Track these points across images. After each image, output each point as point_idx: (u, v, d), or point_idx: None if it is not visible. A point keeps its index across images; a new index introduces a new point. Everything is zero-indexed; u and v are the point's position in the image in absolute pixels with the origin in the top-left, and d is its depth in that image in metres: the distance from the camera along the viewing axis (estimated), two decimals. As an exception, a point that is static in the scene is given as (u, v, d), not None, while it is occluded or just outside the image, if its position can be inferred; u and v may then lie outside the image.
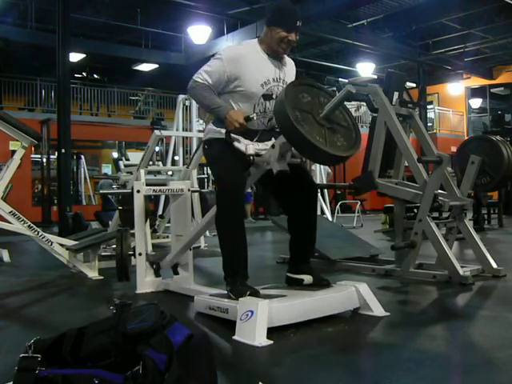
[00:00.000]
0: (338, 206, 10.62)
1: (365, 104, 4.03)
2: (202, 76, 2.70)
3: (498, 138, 4.21)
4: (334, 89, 3.75)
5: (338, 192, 13.47)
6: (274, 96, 2.73)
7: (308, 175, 2.86)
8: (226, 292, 2.65)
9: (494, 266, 3.79)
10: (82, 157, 15.02)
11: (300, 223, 2.81)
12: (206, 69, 2.72)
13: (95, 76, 17.84)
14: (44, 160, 12.66)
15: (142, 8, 12.79)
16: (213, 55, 2.84)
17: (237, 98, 2.72)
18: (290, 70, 2.87)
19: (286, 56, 2.87)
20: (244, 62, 2.67)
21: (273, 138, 2.77)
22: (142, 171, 5.64)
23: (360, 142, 2.61)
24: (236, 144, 2.62)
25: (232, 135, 2.64)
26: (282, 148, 2.51)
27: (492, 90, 19.72)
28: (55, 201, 11.83)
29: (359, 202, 10.64)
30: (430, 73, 18.42)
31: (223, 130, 2.69)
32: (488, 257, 3.82)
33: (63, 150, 9.26)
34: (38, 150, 13.12)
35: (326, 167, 10.13)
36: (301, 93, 2.51)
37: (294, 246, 2.86)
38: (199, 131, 7.33)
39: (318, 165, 9.70)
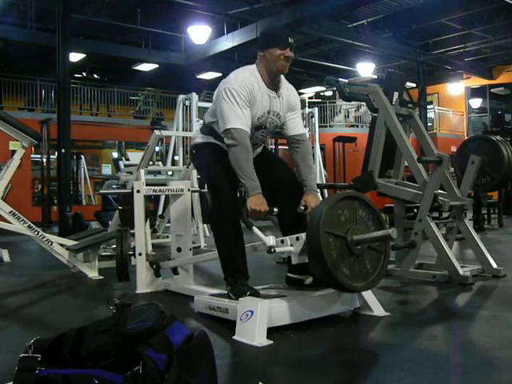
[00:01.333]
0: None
1: (365, 104, 4.03)
2: (241, 121, 2.55)
3: (498, 137, 4.21)
4: (334, 89, 3.74)
5: (338, 192, 13.44)
6: (263, 127, 2.74)
7: (293, 175, 2.84)
8: (226, 292, 2.65)
9: (494, 265, 3.79)
10: (82, 157, 15.00)
11: (290, 224, 2.79)
12: (235, 110, 2.55)
13: (95, 76, 17.83)
14: (44, 160, 12.65)
15: (142, 8, 12.78)
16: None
17: None
18: (286, 100, 2.78)
19: (285, 82, 2.80)
20: (252, 98, 2.62)
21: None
22: (142, 171, 5.64)
23: (385, 270, 2.52)
24: (256, 230, 2.53)
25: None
26: (304, 248, 2.41)
27: (492, 90, 19.72)
28: (55, 201, 11.82)
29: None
30: (430, 73, 18.41)
31: (211, 138, 2.70)
32: (488, 257, 3.82)
33: (63, 150, 9.26)
34: (38, 150, 13.12)
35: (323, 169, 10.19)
36: (341, 209, 2.39)
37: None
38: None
39: (316, 165, 9.71)
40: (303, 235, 2.41)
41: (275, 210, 2.57)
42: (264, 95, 2.68)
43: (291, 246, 2.47)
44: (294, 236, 2.47)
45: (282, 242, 2.50)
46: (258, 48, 2.72)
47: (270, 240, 2.48)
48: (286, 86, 2.80)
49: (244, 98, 2.58)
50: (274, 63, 2.65)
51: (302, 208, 2.65)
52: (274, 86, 2.72)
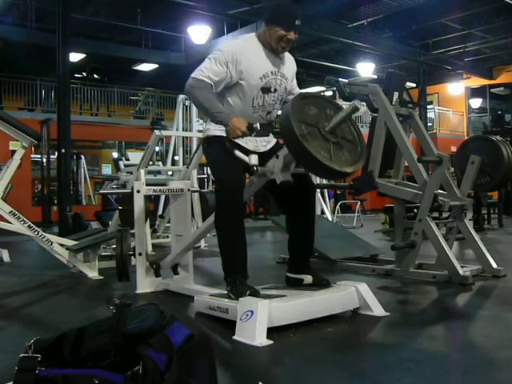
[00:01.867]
0: (337, 206, 10.62)
1: (365, 104, 4.03)
2: (203, 73, 2.61)
3: (498, 137, 4.21)
4: (334, 89, 3.75)
5: (338, 192, 13.47)
6: (272, 89, 2.73)
7: (306, 175, 2.84)
8: (226, 292, 2.65)
9: (494, 265, 3.79)
10: (82, 157, 15.01)
11: (298, 223, 2.81)
12: (206, 65, 2.63)
13: (95, 76, 17.84)
14: (44, 160, 12.65)
15: (142, 8, 12.79)
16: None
17: (236, 92, 2.70)
18: (289, 65, 2.85)
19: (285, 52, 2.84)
20: (244, 56, 2.65)
21: (271, 135, 2.83)
22: (142, 171, 5.64)
23: (365, 156, 2.59)
24: (237, 153, 2.58)
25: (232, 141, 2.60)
26: (286, 159, 2.48)
27: (492, 90, 19.72)
28: (55, 201, 11.82)
29: (359, 202, 10.64)
30: (430, 73, 18.42)
31: (222, 128, 2.67)
32: (488, 257, 3.82)
33: (63, 150, 9.26)
34: (38, 150, 13.12)
35: None
36: (307, 105, 2.47)
37: (293, 245, 2.86)
38: (199, 131, 7.32)
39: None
40: (282, 151, 2.47)
41: (255, 125, 2.59)
42: (262, 55, 2.71)
43: (273, 166, 2.52)
44: (274, 155, 2.53)
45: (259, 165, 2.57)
46: (263, 19, 2.74)
47: (252, 159, 2.55)
48: (284, 54, 2.84)
49: (224, 58, 2.62)
50: (275, 42, 2.68)
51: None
52: (274, 51, 2.74)
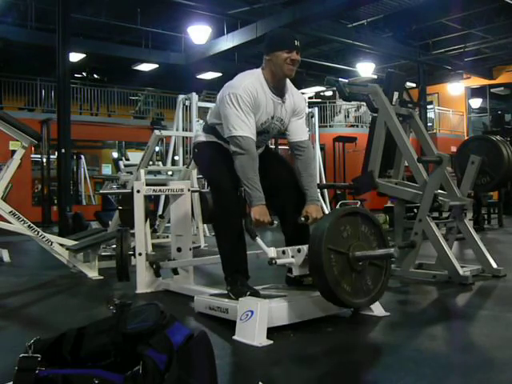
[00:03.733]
0: (337, 206, 10.61)
1: (365, 104, 4.03)
2: (247, 130, 2.54)
3: (498, 137, 4.21)
4: (334, 89, 3.74)
5: (338, 192, 13.47)
6: (265, 131, 2.73)
7: (295, 176, 2.83)
8: (226, 292, 2.65)
9: (494, 265, 3.79)
10: (82, 157, 15.01)
11: (291, 224, 2.79)
12: (243, 119, 2.54)
13: (95, 76, 17.83)
14: (44, 160, 12.64)
15: (142, 8, 12.78)
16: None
17: None
18: (290, 105, 2.76)
19: (290, 86, 2.78)
20: (257, 103, 2.61)
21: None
22: (142, 171, 5.64)
23: (386, 286, 2.55)
24: (259, 241, 2.51)
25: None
26: (307, 261, 2.42)
27: (492, 90, 19.72)
28: (55, 201, 11.82)
29: (359, 202, 10.63)
30: (430, 73, 18.42)
31: (213, 138, 2.69)
32: (488, 257, 3.82)
33: (63, 150, 9.26)
34: (38, 150, 13.12)
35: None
36: (343, 225, 2.40)
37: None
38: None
39: (316, 165, 9.71)
40: (305, 247, 2.40)
41: (274, 225, 2.58)
42: (268, 100, 2.65)
43: (292, 257, 2.47)
44: (296, 248, 2.47)
45: (283, 252, 2.50)
46: (263, 52, 2.69)
47: (271, 252, 2.47)
48: (291, 91, 2.78)
49: (248, 105, 2.56)
50: (281, 67, 2.62)
51: (303, 219, 2.65)
52: (279, 90, 2.69)
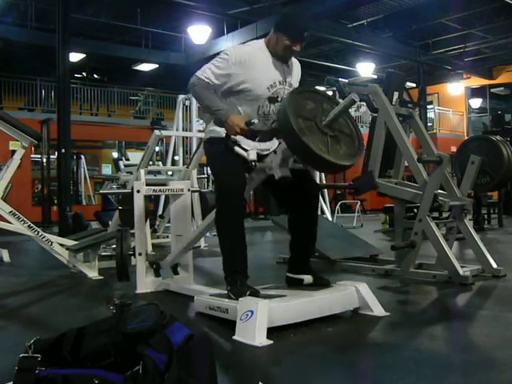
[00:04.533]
0: (337, 206, 10.61)
1: (365, 104, 4.03)
2: (206, 74, 2.63)
3: (498, 137, 4.21)
4: (334, 89, 3.75)
5: (338, 192, 13.47)
6: (279, 99, 2.71)
7: (310, 175, 2.84)
8: (226, 292, 2.65)
9: (494, 265, 3.79)
10: (82, 157, 15.00)
11: (301, 223, 2.80)
12: (211, 67, 2.65)
13: (95, 76, 17.83)
14: (44, 160, 12.64)
15: (142, 8, 12.78)
16: (213, 55, 2.83)
17: (242, 100, 2.69)
18: (295, 72, 2.84)
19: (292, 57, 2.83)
20: (251, 64, 2.64)
21: (274, 139, 2.78)
22: (142, 171, 5.64)
23: (362, 150, 2.60)
24: (237, 149, 2.59)
25: (232, 138, 2.61)
26: (285, 154, 2.49)
27: (492, 90, 19.72)
28: (55, 201, 11.82)
29: (359, 202, 10.64)
30: (430, 73, 18.42)
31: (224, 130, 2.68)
32: (488, 257, 3.82)
33: (63, 150, 9.26)
34: (38, 150, 13.12)
35: None
36: (304, 100, 2.48)
37: (295, 246, 2.85)
38: (199, 131, 7.32)
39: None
40: (281, 145, 2.49)
41: (253, 120, 2.59)
42: (270, 64, 2.69)
43: (271, 161, 2.53)
44: (272, 150, 2.55)
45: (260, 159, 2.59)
46: (274, 24, 2.73)
47: (250, 154, 2.55)
48: (292, 60, 2.83)
49: (229, 62, 2.62)
50: (280, 50, 2.68)
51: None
52: (281, 57, 2.73)
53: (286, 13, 2.84)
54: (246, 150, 2.59)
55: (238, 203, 2.65)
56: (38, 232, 4.07)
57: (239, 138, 2.62)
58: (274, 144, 2.81)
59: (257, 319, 2.24)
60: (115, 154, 15.25)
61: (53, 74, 10.19)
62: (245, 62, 2.63)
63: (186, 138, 8.08)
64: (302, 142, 2.28)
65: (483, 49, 16.62)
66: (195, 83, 2.65)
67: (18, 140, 4.11)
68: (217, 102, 2.62)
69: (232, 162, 2.63)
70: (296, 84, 2.82)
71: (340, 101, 2.64)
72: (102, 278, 4.08)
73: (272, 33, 2.71)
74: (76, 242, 4.23)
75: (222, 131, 2.69)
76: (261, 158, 2.66)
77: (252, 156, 2.55)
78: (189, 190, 3.50)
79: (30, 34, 12.56)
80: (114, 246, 4.17)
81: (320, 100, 2.55)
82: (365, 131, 4.05)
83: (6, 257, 5.25)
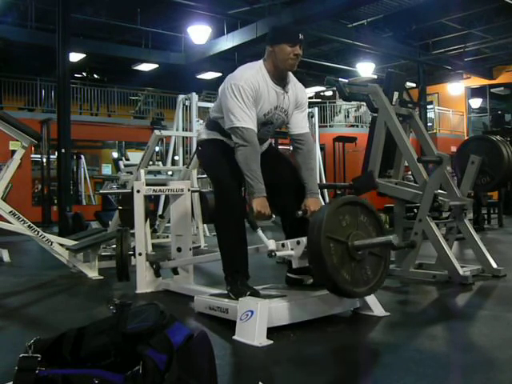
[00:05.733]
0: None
1: (365, 104, 4.03)
2: (248, 121, 2.54)
3: (498, 137, 4.21)
4: (334, 89, 3.75)
5: (338, 192, 13.46)
6: (269, 123, 2.72)
7: (297, 175, 2.83)
8: (226, 292, 2.65)
9: (494, 265, 3.79)
10: (82, 157, 15.01)
11: (293, 224, 2.79)
12: (244, 110, 2.54)
13: (95, 76, 17.83)
14: (44, 160, 12.64)
15: (142, 8, 12.78)
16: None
17: None
18: (293, 96, 2.75)
19: (293, 78, 2.78)
20: (258, 95, 2.60)
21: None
22: (142, 171, 5.64)
23: (386, 276, 2.53)
24: (259, 233, 2.54)
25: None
26: (306, 252, 2.42)
27: (492, 90, 19.72)
28: (55, 201, 11.82)
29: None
30: (430, 73, 18.42)
31: (217, 134, 2.69)
32: (488, 257, 3.82)
33: (63, 150, 9.26)
34: (38, 150, 13.12)
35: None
36: (342, 214, 2.39)
37: None
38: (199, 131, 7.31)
39: (316, 165, 9.69)
40: (304, 239, 2.41)
41: (273, 219, 2.62)
42: (271, 91, 2.65)
43: (292, 249, 2.48)
44: (295, 240, 2.48)
45: (283, 245, 2.51)
46: (267, 43, 2.69)
47: (271, 244, 2.49)
48: (293, 83, 2.78)
49: (250, 97, 2.56)
50: (284, 61, 2.62)
51: (300, 213, 2.65)
52: (281, 81, 2.69)
53: (274, 27, 2.84)
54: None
55: (237, 202, 2.65)
56: (38, 232, 4.06)
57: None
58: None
59: (257, 319, 2.24)
60: (115, 154, 15.26)
61: (53, 74, 10.20)
62: (256, 91, 2.59)
63: (186, 137, 8.08)
64: (326, 271, 2.25)
65: (483, 49, 16.62)
66: (245, 137, 2.53)
67: (18, 140, 4.11)
68: (258, 172, 2.54)
69: (227, 161, 2.64)
70: (290, 108, 2.75)
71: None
72: (102, 278, 4.08)
73: (268, 50, 2.66)
74: (76, 242, 4.23)
75: (212, 133, 2.72)
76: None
77: (272, 246, 2.50)
78: (189, 189, 3.50)
79: (30, 33, 12.55)
80: (114, 245, 4.17)
81: (357, 213, 2.46)
82: (365, 131, 4.04)
83: (6, 257, 5.25)
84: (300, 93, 2.80)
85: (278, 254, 2.49)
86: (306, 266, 2.44)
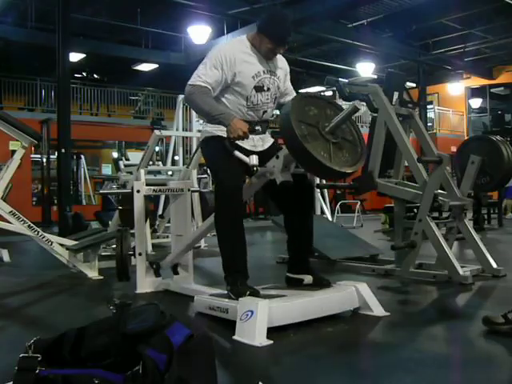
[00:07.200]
0: (338, 206, 10.61)
1: (365, 104, 4.03)
2: (200, 79, 2.66)
3: (498, 137, 4.21)
4: (334, 89, 3.75)
5: (338, 192, 13.46)
6: (265, 88, 2.76)
7: (304, 175, 2.83)
8: (226, 292, 2.65)
9: (494, 265, 3.79)
10: (82, 157, 15.01)
11: (297, 223, 2.80)
12: (203, 72, 2.67)
13: (95, 76, 17.83)
14: (44, 160, 12.64)
15: (142, 8, 12.78)
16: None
17: (230, 93, 2.73)
18: (280, 64, 2.88)
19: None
20: (237, 57, 2.68)
21: (267, 133, 2.87)
22: (142, 171, 5.64)
23: (365, 157, 2.60)
24: (237, 153, 2.59)
25: (231, 141, 2.60)
26: (286, 159, 2.48)
27: (492, 90, 19.72)
28: (55, 201, 11.82)
29: (359, 202, 10.63)
30: (430, 73, 18.41)
31: (220, 128, 2.68)
32: (488, 257, 3.82)
33: (63, 150, 9.25)
34: (38, 150, 13.12)
35: None
36: (307, 105, 2.48)
37: (292, 245, 2.86)
38: (199, 131, 7.31)
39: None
40: (282, 151, 2.48)
41: (257, 127, 2.65)
42: (252, 55, 2.73)
43: (273, 166, 2.52)
44: (275, 156, 2.53)
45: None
46: (257, 24, 2.76)
47: (252, 159, 2.54)
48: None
49: (216, 61, 2.66)
50: (264, 50, 2.73)
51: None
52: (264, 53, 2.76)
53: (269, 15, 2.85)
54: (246, 155, 2.59)
55: (237, 202, 2.65)
56: (38, 232, 4.06)
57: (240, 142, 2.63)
58: (267, 136, 2.90)
59: (257, 319, 2.24)
60: (115, 154, 15.25)
61: (53, 74, 10.18)
62: (231, 55, 2.67)
63: (186, 137, 8.07)
64: (304, 148, 2.27)
65: (483, 49, 16.62)
66: (191, 91, 2.67)
67: (18, 140, 4.11)
68: (216, 106, 2.65)
69: (230, 161, 2.64)
70: (281, 75, 2.87)
71: (343, 106, 2.63)
72: (101, 278, 4.08)
73: (255, 33, 2.75)
74: (76, 242, 4.23)
75: (217, 129, 2.71)
76: (257, 154, 2.66)
77: (254, 161, 2.54)
78: (189, 190, 3.50)
79: (30, 33, 12.55)
80: (114, 245, 4.17)
81: (323, 106, 2.55)
82: (365, 131, 4.04)
83: (6, 257, 5.25)
84: (282, 61, 2.92)
85: (261, 169, 2.54)
86: (290, 183, 2.48)
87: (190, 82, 2.68)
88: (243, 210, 2.71)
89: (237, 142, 2.64)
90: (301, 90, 16.26)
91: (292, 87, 3.03)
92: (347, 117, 2.50)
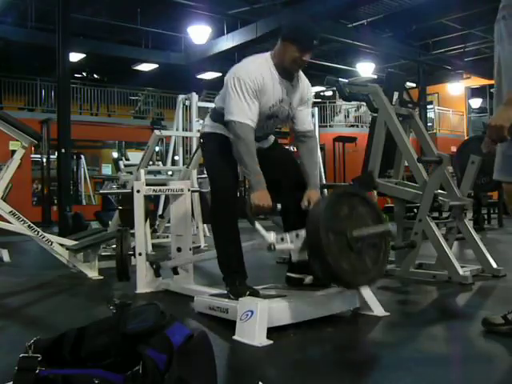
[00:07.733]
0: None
1: (365, 104, 4.03)
2: (247, 115, 2.50)
3: (498, 137, 4.20)
4: (334, 89, 3.75)
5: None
6: (275, 116, 2.71)
7: (302, 176, 2.82)
8: (225, 292, 2.65)
9: (494, 265, 3.79)
10: (82, 157, 15.02)
11: (297, 223, 2.80)
12: (245, 104, 2.51)
13: (95, 76, 17.83)
14: (44, 160, 12.65)
15: (142, 8, 12.78)
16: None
17: None
18: (298, 91, 2.74)
19: (300, 73, 2.75)
20: (263, 88, 2.57)
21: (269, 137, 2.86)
22: (142, 171, 5.64)
23: (385, 267, 2.56)
24: (258, 226, 2.52)
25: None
26: (305, 245, 2.43)
27: (492, 90, 19.54)
28: (55, 201, 11.82)
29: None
30: (430, 73, 18.40)
31: (220, 126, 2.68)
32: (488, 257, 3.82)
33: (63, 150, 9.26)
34: (38, 150, 13.12)
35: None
36: (339, 206, 2.41)
37: None
38: (199, 131, 7.31)
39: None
40: (303, 232, 2.41)
41: (278, 206, 2.58)
42: (276, 84, 2.62)
43: (291, 243, 2.48)
44: (294, 233, 2.48)
45: (282, 239, 2.51)
46: (281, 33, 2.63)
47: (271, 237, 2.49)
48: (301, 78, 2.76)
49: (251, 91, 2.52)
50: (288, 61, 2.59)
51: (306, 204, 2.64)
52: (287, 75, 2.66)
53: (294, 23, 2.71)
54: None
55: (231, 203, 2.64)
56: (38, 232, 4.06)
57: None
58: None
59: (257, 319, 2.24)
60: (115, 154, 15.25)
61: (53, 74, 10.19)
62: (261, 84, 2.56)
63: (186, 137, 8.08)
64: (326, 262, 2.25)
65: (483, 49, 16.59)
66: (239, 132, 2.50)
67: (18, 140, 4.11)
68: (256, 163, 2.51)
69: (226, 162, 2.63)
70: (296, 103, 2.73)
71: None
72: (101, 278, 4.08)
73: (279, 44, 2.62)
74: (76, 242, 4.23)
75: (217, 126, 2.70)
76: (260, 150, 2.66)
77: (272, 239, 2.49)
78: (189, 189, 3.50)
79: (30, 33, 12.55)
80: (114, 245, 4.17)
81: (355, 204, 2.47)
82: (365, 131, 4.04)
83: (6, 257, 5.25)
84: (306, 88, 2.79)
85: (278, 247, 2.49)
86: (306, 260, 2.43)
87: (234, 118, 2.51)
88: (237, 209, 2.68)
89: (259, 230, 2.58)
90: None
91: (310, 119, 2.91)
92: (377, 234, 2.47)
